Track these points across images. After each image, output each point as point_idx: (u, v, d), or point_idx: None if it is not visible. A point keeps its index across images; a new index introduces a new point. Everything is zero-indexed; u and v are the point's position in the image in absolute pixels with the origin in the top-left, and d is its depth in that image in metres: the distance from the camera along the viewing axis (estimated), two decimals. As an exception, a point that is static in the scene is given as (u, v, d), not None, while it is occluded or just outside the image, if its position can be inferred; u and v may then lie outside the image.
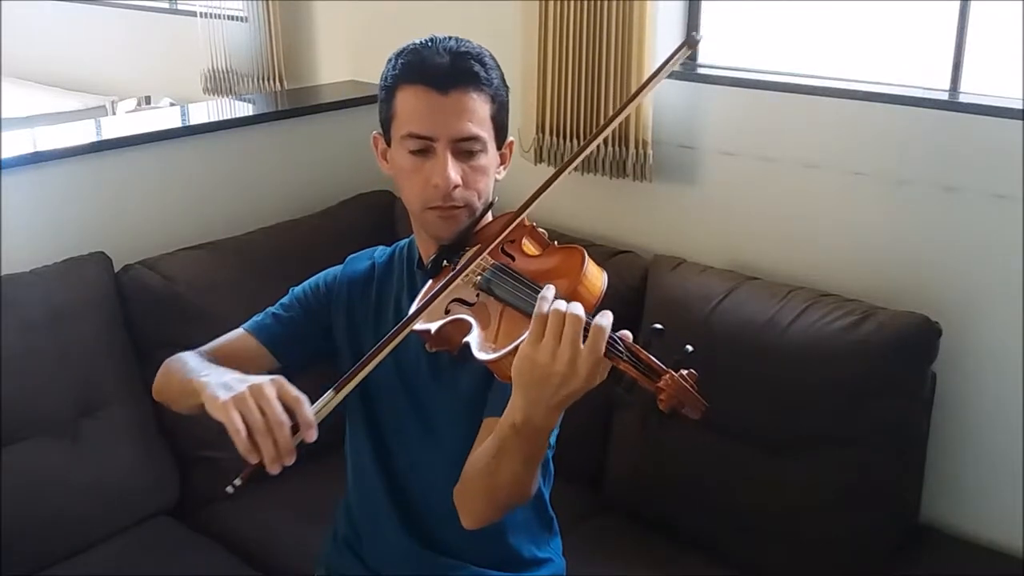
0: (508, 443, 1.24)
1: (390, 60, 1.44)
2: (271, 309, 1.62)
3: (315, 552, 1.79)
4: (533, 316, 1.16)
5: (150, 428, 2.25)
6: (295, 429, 1.19)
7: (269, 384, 1.21)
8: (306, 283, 1.64)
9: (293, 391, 1.21)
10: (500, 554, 1.60)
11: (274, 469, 1.18)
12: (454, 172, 1.38)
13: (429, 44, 1.41)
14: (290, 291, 1.65)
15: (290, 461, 1.18)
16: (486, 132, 1.41)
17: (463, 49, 1.40)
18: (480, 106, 1.39)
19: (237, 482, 1.21)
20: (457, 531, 1.44)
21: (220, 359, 1.54)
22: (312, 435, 1.19)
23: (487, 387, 1.43)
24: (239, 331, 1.61)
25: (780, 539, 2.06)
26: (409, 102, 1.40)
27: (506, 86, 1.46)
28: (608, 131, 1.35)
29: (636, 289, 2.34)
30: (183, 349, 2.27)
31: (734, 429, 2.12)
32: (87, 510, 2.13)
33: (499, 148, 1.47)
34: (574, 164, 1.34)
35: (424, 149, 1.40)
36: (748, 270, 2.32)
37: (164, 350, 2.29)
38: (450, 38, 1.42)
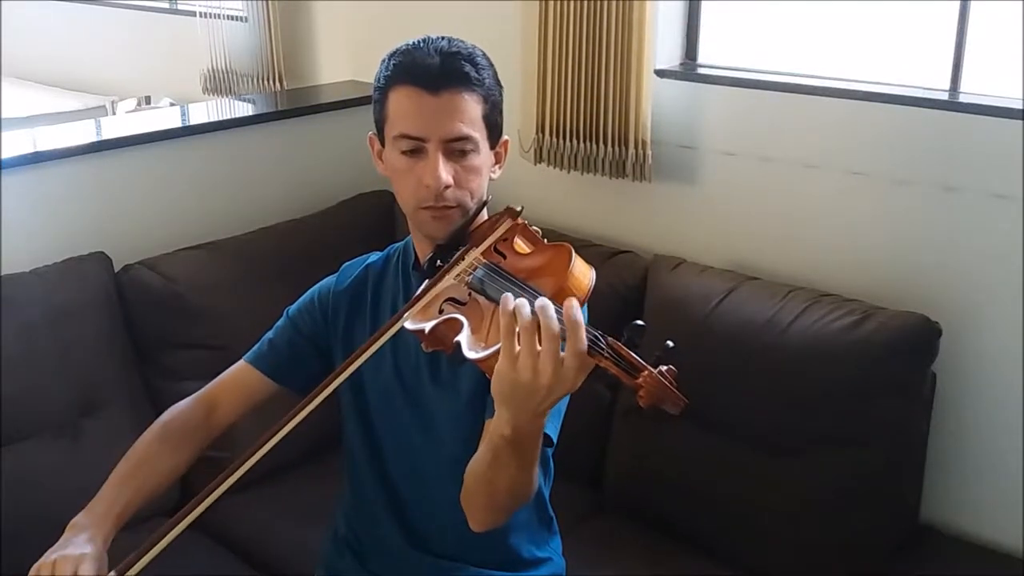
0: (501, 452, 1.24)
1: (383, 61, 1.44)
2: (268, 335, 1.63)
3: (315, 552, 1.78)
4: (501, 332, 1.12)
5: (150, 428, 2.25)
6: None
7: (72, 560, 1.37)
8: (300, 301, 1.64)
9: (85, 571, 1.36)
10: (500, 554, 1.60)
11: None
12: (445, 172, 1.38)
13: (421, 45, 1.41)
14: (284, 312, 1.65)
15: None
16: (478, 132, 1.41)
17: (454, 49, 1.40)
18: (471, 106, 1.39)
19: None
20: (457, 532, 1.44)
21: (223, 395, 1.60)
22: None
23: (487, 387, 1.42)
24: (240, 363, 1.63)
25: (780, 539, 2.06)
26: (400, 103, 1.40)
27: (499, 85, 1.46)
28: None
29: (636, 289, 2.34)
30: (183, 349, 2.30)
31: (734, 429, 2.12)
32: (87, 510, 2.13)
33: (493, 147, 1.46)
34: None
35: (416, 150, 1.40)
36: (748, 270, 2.32)
37: (164, 350, 2.33)
38: (442, 38, 1.42)
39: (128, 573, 1.34)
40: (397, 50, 1.43)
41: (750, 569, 2.08)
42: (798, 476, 2.05)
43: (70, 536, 1.42)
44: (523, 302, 1.12)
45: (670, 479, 2.20)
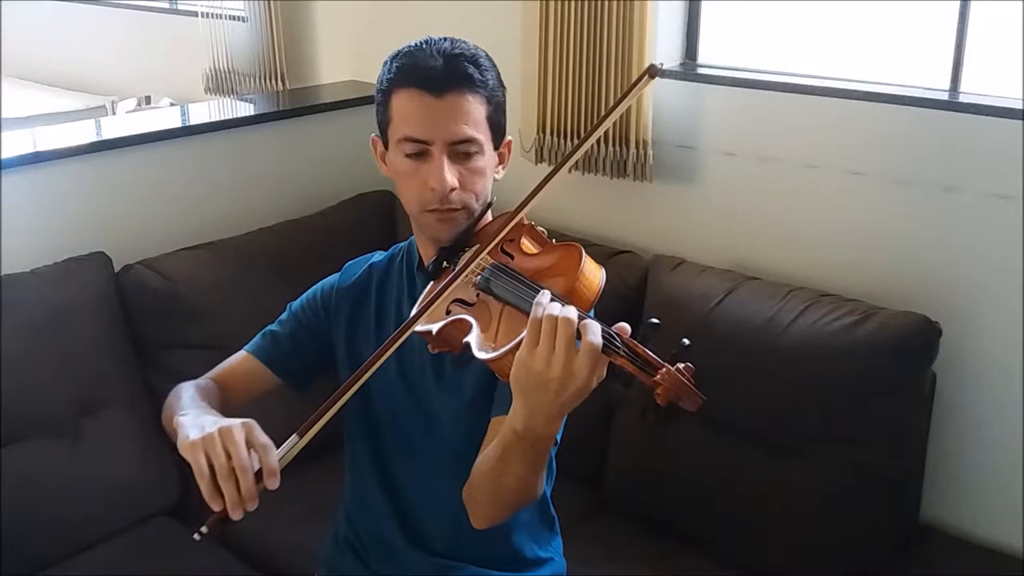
0: (511, 448, 1.25)
1: (385, 63, 1.44)
2: (270, 327, 1.63)
3: (315, 552, 1.78)
4: (528, 322, 1.15)
5: (150, 428, 2.25)
6: (260, 475, 1.19)
7: (239, 427, 1.21)
8: (303, 296, 1.64)
9: (261, 437, 1.22)
10: (503, 554, 1.60)
11: (236, 515, 1.18)
12: (450, 175, 1.38)
13: (423, 46, 1.40)
14: (288, 307, 1.64)
15: (252, 507, 1.18)
16: (482, 134, 1.41)
17: (457, 51, 1.40)
18: (475, 108, 1.39)
19: (204, 529, 1.21)
20: (459, 532, 1.44)
21: (224, 383, 1.56)
22: (274, 483, 1.19)
23: (491, 387, 1.43)
24: (241, 353, 1.62)
25: (780, 539, 2.06)
26: (404, 106, 1.40)
27: (502, 86, 1.45)
28: (579, 153, 1.37)
29: (636, 289, 2.34)
30: (183, 349, 2.30)
31: (734, 429, 2.12)
32: (87, 510, 2.13)
33: (497, 148, 1.46)
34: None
35: (420, 152, 1.39)
36: (748, 270, 2.32)
37: (164, 350, 2.32)
38: (445, 39, 1.42)
39: (308, 434, 1.25)
40: (399, 52, 1.43)
41: (750, 569, 2.08)
42: (798, 476, 2.05)
43: (195, 420, 1.28)
44: (556, 304, 1.15)
45: (670, 479, 2.20)
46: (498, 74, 1.44)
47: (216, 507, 1.18)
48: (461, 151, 1.39)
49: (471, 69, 1.39)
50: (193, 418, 1.29)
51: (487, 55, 1.44)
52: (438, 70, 1.37)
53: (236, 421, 1.23)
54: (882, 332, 1.99)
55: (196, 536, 1.20)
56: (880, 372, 2.00)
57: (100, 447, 2.17)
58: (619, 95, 2.40)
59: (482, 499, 1.38)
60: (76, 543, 2.11)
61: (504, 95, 1.46)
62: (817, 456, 2.04)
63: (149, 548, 2.15)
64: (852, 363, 2.00)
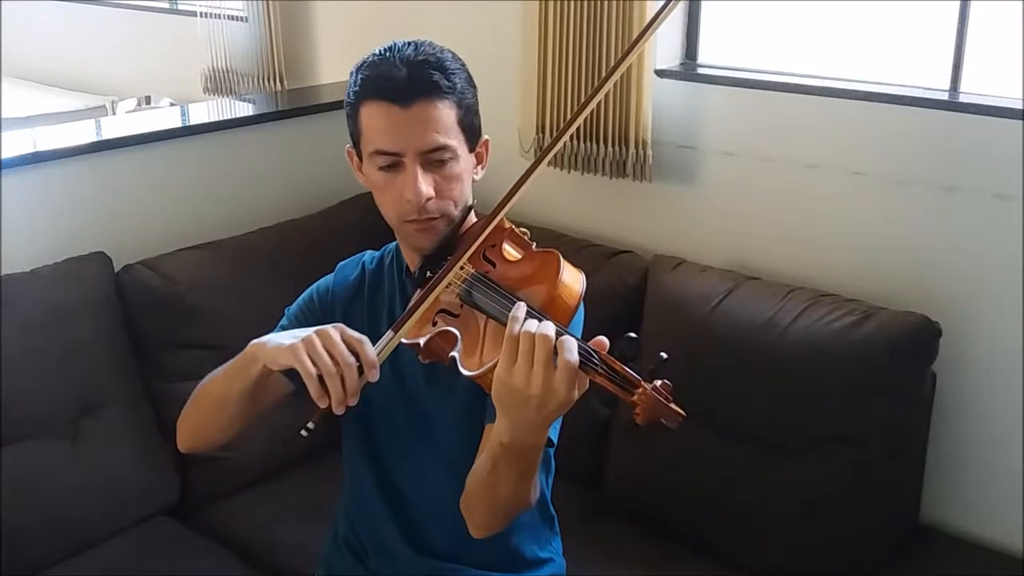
0: (500, 460, 1.25)
1: (351, 74, 1.41)
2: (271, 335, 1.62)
3: (315, 552, 1.79)
4: (504, 338, 1.15)
5: (150, 428, 2.26)
6: (360, 370, 1.24)
7: (333, 328, 1.27)
8: (299, 299, 1.63)
9: (355, 334, 1.28)
10: (503, 555, 1.60)
11: (340, 410, 1.24)
12: (425, 185, 1.36)
13: (387, 55, 1.38)
14: (285, 311, 1.64)
15: (353, 402, 1.24)
16: (454, 139, 1.38)
17: (421, 57, 1.37)
18: (444, 114, 1.37)
19: (311, 425, 1.26)
20: (457, 533, 1.44)
21: None
22: (375, 375, 1.26)
23: (485, 392, 1.43)
24: None
25: (780, 539, 2.06)
26: (373, 119, 1.38)
27: (473, 86, 1.43)
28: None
29: (636, 289, 2.34)
30: (183, 349, 2.30)
31: (734, 429, 2.12)
32: (87, 510, 2.13)
33: (473, 149, 1.44)
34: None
35: (393, 164, 1.38)
36: (748, 270, 2.32)
37: (164, 350, 2.33)
38: (409, 44, 1.39)
39: (402, 330, 1.30)
40: (364, 62, 1.40)
41: (750, 569, 2.08)
42: (798, 476, 2.05)
43: (278, 335, 1.33)
44: (533, 321, 1.15)
45: (670, 479, 2.20)
46: (467, 75, 1.42)
47: (323, 404, 1.24)
48: (434, 159, 1.37)
49: (436, 76, 1.36)
50: (274, 335, 1.34)
51: (454, 56, 1.41)
52: (402, 80, 1.35)
53: (327, 325, 1.29)
54: (882, 332, 1.99)
55: (303, 432, 1.26)
56: (880, 372, 2.00)
57: (100, 447, 2.17)
58: (618, 96, 2.41)
59: (478, 510, 1.38)
60: (76, 543, 2.11)
61: (475, 95, 1.43)
62: (817, 456, 2.04)
63: (149, 548, 2.15)
64: (852, 363, 2.00)
